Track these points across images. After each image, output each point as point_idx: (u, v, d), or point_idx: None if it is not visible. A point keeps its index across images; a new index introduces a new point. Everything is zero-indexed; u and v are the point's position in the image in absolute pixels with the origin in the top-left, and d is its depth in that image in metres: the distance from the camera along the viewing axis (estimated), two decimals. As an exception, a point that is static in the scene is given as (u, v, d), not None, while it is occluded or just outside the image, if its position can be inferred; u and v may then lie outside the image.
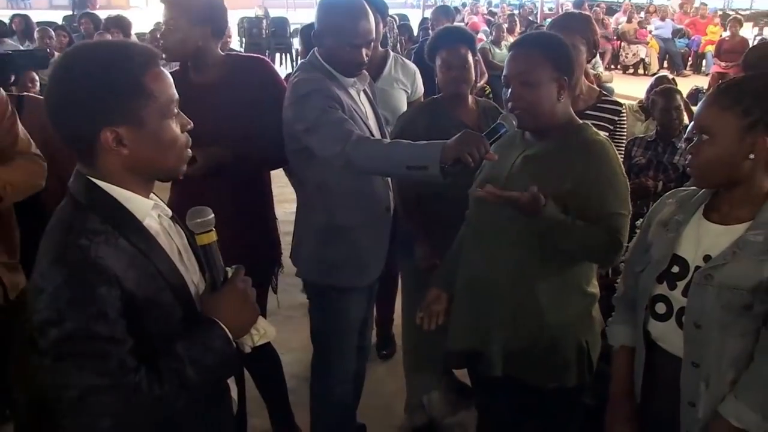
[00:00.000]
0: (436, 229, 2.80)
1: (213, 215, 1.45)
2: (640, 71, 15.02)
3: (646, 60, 15.05)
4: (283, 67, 16.33)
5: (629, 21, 15.54)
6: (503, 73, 2.09)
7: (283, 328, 3.63)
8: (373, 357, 3.72)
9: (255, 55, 2.90)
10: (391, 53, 3.54)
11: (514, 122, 2.03)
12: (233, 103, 2.51)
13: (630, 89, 11.12)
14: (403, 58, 3.56)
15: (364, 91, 2.63)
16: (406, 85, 3.46)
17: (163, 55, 2.23)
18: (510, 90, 2.04)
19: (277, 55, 16.16)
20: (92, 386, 1.25)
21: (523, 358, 2.09)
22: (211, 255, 1.46)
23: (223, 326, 1.41)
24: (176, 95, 1.41)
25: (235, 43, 14.01)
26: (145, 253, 1.36)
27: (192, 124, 1.44)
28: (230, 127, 2.47)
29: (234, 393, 1.64)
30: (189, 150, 1.45)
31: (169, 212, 1.52)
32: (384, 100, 3.14)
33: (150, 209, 1.42)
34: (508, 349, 2.10)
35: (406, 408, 3.34)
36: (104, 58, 1.34)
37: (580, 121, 2.13)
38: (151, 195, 1.47)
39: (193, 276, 1.50)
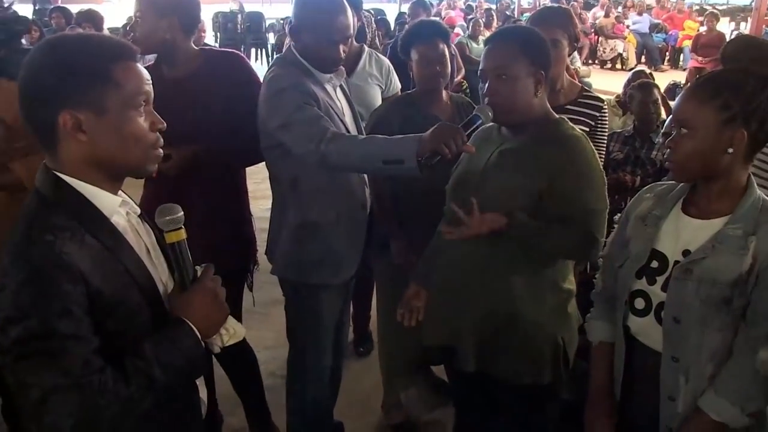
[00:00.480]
0: (412, 225, 2.79)
1: (182, 213, 1.42)
2: (618, 66, 15.12)
3: (624, 55, 15.17)
4: (258, 63, 16.26)
5: (607, 15, 15.64)
6: (480, 67, 2.09)
7: (259, 325, 3.66)
8: (350, 354, 3.71)
9: (229, 50, 2.87)
10: (366, 48, 3.53)
11: (489, 114, 2.02)
12: (206, 97, 2.49)
13: (608, 84, 11.18)
14: (378, 54, 3.55)
15: (341, 87, 2.61)
16: (380, 80, 3.46)
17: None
18: (486, 84, 2.04)
19: (253, 50, 16.07)
20: (55, 386, 1.21)
21: (496, 353, 2.10)
22: (179, 253, 1.44)
23: (192, 326, 1.39)
24: (149, 92, 1.39)
25: (210, 39, 13.90)
26: (112, 250, 1.34)
27: (164, 125, 1.41)
28: (203, 121, 2.45)
29: (203, 394, 1.62)
30: (160, 150, 1.42)
31: (138, 210, 1.50)
32: (358, 95, 3.11)
33: (117, 206, 1.40)
34: (481, 345, 2.10)
35: (383, 406, 3.34)
36: (75, 44, 1.35)
37: (557, 116, 2.13)
38: (120, 192, 1.45)
39: (161, 275, 1.48)
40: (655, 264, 1.77)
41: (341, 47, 2.42)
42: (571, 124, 2.12)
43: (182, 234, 1.43)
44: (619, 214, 2.01)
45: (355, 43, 3.42)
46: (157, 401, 1.32)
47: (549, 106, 2.13)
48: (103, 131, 1.33)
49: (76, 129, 1.32)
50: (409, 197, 2.82)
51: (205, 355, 1.44)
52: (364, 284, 3.50)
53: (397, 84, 3.57)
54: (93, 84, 1.31)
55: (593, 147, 2.09)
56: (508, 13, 15.42)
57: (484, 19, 11.30)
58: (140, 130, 1.37)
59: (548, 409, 2.20)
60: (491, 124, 2.10)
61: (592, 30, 15.47)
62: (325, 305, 2.63)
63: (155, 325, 1.39)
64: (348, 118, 2.57)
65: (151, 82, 1.41)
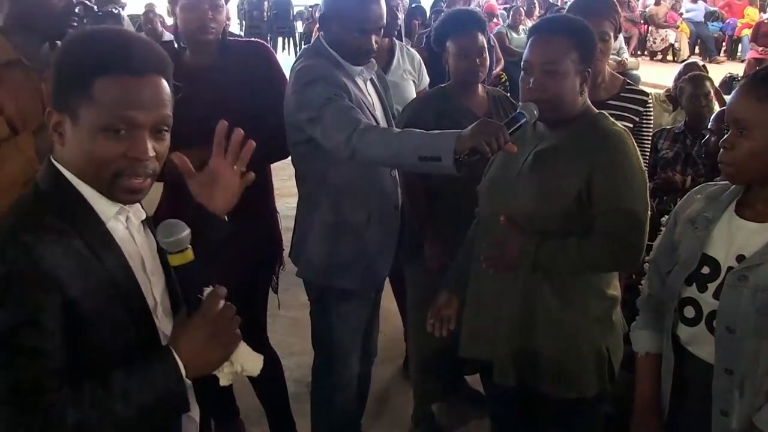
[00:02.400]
0: (445, 228, 2.80)
1: (188, 231, 1.34)
2: (669, 57, 14.97)
3: (676, 45, 14.99)
4: (285, 53, 16.36)
5: (658, 3, 15.45)
6: (524, 58, 2.07)
7: (284, 330, 3.68)
8: (380, 361, 3.72)
9: (254, 39, 2.90)
10: (397, 43, 3.53)
11: (535, 112, 2.01)
12: (226, 88, 2.51)
13: (658, 77, 11.08)
14: (408, 47, 3.57)
15: (371, 81, 2.61)
16: (413, 74, 3.47)
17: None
18: (532, 78, 2.01)
19: (279, 39, 16.18)
20: None
21: (537, 366, 2.08)
22: (185, 278, 1.36)
23: (178, 361, 1.30)
24: (136, 116, 1.29)
25: (235, 26, 14.02)
26: (99, 258, 1.31)
27: (147, 159, 1.32)
28: (221, 113, 2.47)
29: (195, 413, 1.55)
30: (134, 181, 1.33)
31: (142, 215, 1.47)
32: (396, 93, 3.10)
33: (114, 212, 1.37)
34: (521, 356, 2.09)
35: (413, 417, 3.33)
36: (76, 43, 1.35)
37: (597, 111, 2.12)
38: None
39: (154, 289, 1.43)
40: (706, 270, 1.75)
41: (373, 38, 2.42)
42: (612, 119, 2.10)
43: (189, 255, 1.34)
44: (666, 216, 1.99)
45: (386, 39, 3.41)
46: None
47: (589, 101, 2.11)
48: (72, 142, 1.32)
49: (54, 130, 1.33)
50: (440, 198, 2.83)
51: (184, 394, 1.32)
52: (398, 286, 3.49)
53: (426, 77, 3.59)
54: (72, 90, 1.30)
55: (636, 144, 2.07)
56: (551, 0, 15.32)
57: (525, 7, 11.23)
58: (100, 156, 1.30)
59: (591, 423, 2.18)
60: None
61: (642, 19, 15.31)
62: (354, 311, 2.63)
63: (143, 344, 1.35)
64: (379, 113, 2.57)
65: (162, 107, 1.34)
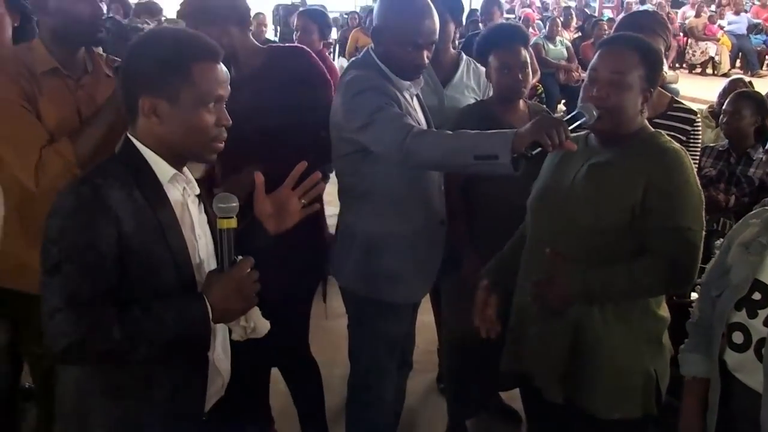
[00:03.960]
0: (484, 243, 2.79)
1: (236, 204, 1.62)
2: (709, 71, 14.80)
3: (716, 58, 14.81)
4: (319, 59, 16.37)
5: (698, 15, 15.33)
6: (591, 66, 2.07)
7: (317, 339, 3.68)
8: (413, 374, 3.72)
9: (297, 45, 2.92)
10: (464, 57, 3.38)
11: (594, 113, 2.00)
12: (270, 96, 2.53)
13: (697, 91, 10.95)
14: (476, 63, 3.35)
15: (417, 96, 2.61)
16: (477, 93, 3.31)
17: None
18: (596, 87, 2.01)
19: (314, 45, 16.19)
20: (61, 306, 1.46)
21: (583, 383, 2.08)
22: (224, 240, 1.63)
23: (208, 304, 1.57)
24: (222, 93, 1.64)
25: (270, 33, 14.11)
26: (153, 207, 1.59)
27: (230, 122, 1.67)
28: (266, 117, 2.50)
29: (225, 365, 1.82)
30: (221, 144, 1.67)
31: (197, 190, 1.75)
32: (454, 109, 3.06)
33: (170, 175, 1.65)
34: (567, 374, 2.09)
35: (447, 431, 3.33)
36: (168, 39, 1.65)
37: (652, 129, 2.11)
38: (184, 170, 1.71)
39: (200, 250, 1.70)
40: (757, 296, 1.74)
41: (425, 53, 2.42)
42: (668, 137, 2.10)
43: (233, 223, 1.63)
44: (721, 239, 1.98)
45: (452, 50, 3.37)
46: (149, 356, 1.53)
47: (646, 120, 2.11)
48: (173, 119, 1.61)
49: (151, 112, 1.60)
50: (481, 213, 2.82)
51: (206, 334, 1.60)
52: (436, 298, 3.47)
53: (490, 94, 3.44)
54: (173, 78, 1.59)
55: (691, 162, 2.06)
56: (588, 11, 15.26)
57: (562, 18, 11.21)
58: (205, 125, 1.63)
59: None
60: (579, 133, 2.09)
61: (681, 31, 15.16)
62: (393, 325, 2.63)
63: (182, 288, 1.62)
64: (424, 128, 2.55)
65: (228, 83, 1.66)
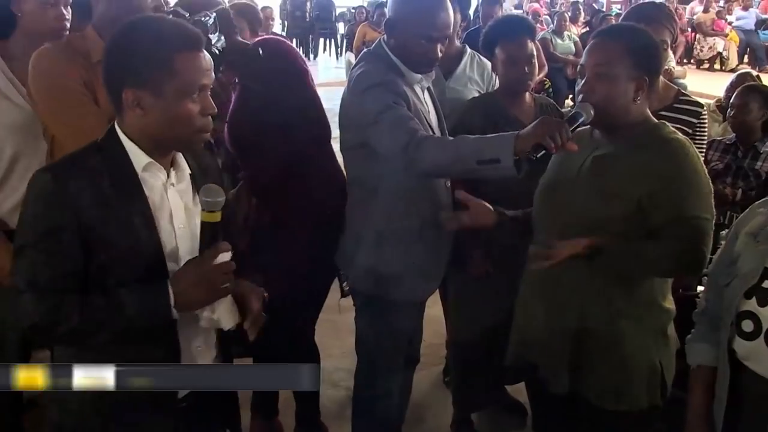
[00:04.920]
0: (490, 235, 2.78)
1: (222, 198, 1.62)
2: (717, 66, 14.75)
3: (724, 54, 14.77)
4: (326, 54, 16.42)
5: (706, 11, 15.26)
6: (580, 62, 2.10)
7: (325, 332, 3.69)
8: (419, 367, 3.72)
9: (268, 37, 2.95)
10: (468, 50, 3.41)
11: (591, 111, 2.00)
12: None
13: (705, 86, 10.92)
14: (480, 56, 3.36)
15: (428, 89, 2.61)
16: (481, 86, 3.33)
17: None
18: (584, 80, 2.03)
19: (321, 40, 16.23)
20: (26, 287, 1.53)
21: (589, 376, 2.08)
22: (206, 233, 1.63)
23: (170, 292, 1.58)
24: (206, 82, 1.63)
25: (277, 27, 14.13)
26: (122, 197, 1.60)
27: (215, 110, 1.65)
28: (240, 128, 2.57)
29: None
30: (206, 133, 1.68)
31: (186, 180, 1.74)
32: (456, 101, 3.08)
33: (145, 164, 1.64)
34: (572, 365, 2.09)
35: (452, 425, 3.33)
36: (148, 30, 1.62)
37: (656, 121, 2.11)
38: (178, 158, 1.72)
39: (178, 240, 1.68)
40: (767, 284, 1.73)
41: (439, 46, 2.41)
42: (672, 128, 2.10)
43: (216, 217, 1.62)
44: (726, 230, 1.97)
45: (457, 43, 3.37)
46: (113, 340, 1.57)
47: (649, 112, 2.11)
48: (156, 110, 1.59)
49: (135, 105, 1.59)
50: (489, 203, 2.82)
51: (167, 319, 1.61)
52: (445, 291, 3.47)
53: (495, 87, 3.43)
54: (154, 69, 1.57)
55: (697, 152, 2.06)
56: (596, 6, 15.21)
57: (570, 13, 11.17)
58: (189, 116, 1.61)
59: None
60: (584, 128, 2.09)
61: (689, 26, 15.10)
62: (400, 321, 2.62)
63: (152, 277, 1.61)
64: (434, 122, 2.56)
65: (211, 71, 1.66)
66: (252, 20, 4.01)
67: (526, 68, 2.81)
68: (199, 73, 1.61)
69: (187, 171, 1.75)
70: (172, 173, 1.71)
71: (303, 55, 2.92)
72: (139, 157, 1.63)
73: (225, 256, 1.62)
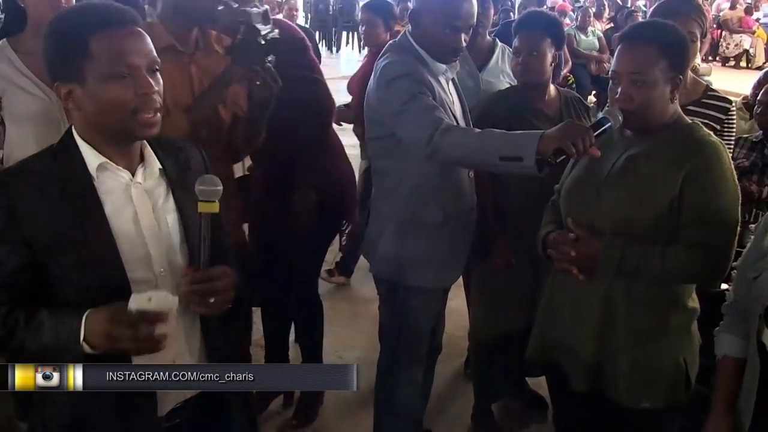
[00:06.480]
0: (515, 227, 2.79)
1: (220, 188, 1.53)
2: (743, 64, 14.60)
3: (751, 51, 14.61)
4: (349, 47, 16.42)
5: (733, 7, 15.11)
6: (612, 68, 2.06)
7: (347, 323, 3.72)
8: (441, 358, 3.74)
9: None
10: (499, 43, 3.49)
11: (619, 117, 1.99)
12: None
13: (730, 84, 10.79)
14: (510, 49, 3.34)
15: (453, 81, 2.62)
16: (512, 78, 3.32)
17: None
18: (619, 88, 2.00)
19: (344, 33, 16.22)
20: None
21: (612, 373, 2.07)
22: (201, 227, 1.54)
23: (82, 329, 1.44)
24: (136, 62, 1.49)
25: (301, 19, 14.15)
26: (73, 204, 1.50)
27: (151, 90, 1.50)
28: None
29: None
30: (149, 114, 1.51)
31: (154, 174, 1.61)
32: (489, 92, 3.12)
33: (97, 164, 1.53)
34: (595, 363, 2.09)
35: (473, 416, 3.34)
36: (62, 17, 1.55)
37: (689, 121, 2.09)
38: (147, 153, 1.61)
39: (149, 242, 1.57)
40: None
41: (463, 36, 2.43)
42: (707, 130, 2.08)
43: (214, 207, 1.53)
44: (753, 225, 1.96)
45: (488, 37, 3.44)
46: (31, 356, 1.48)
47: (679, 107, 2.09)
48: (86, 101, 1.49)
49: (68, 99, 1.50)
50: (512, 198, 2.82)
51: (78, 352, 1.46)
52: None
53: None
54: (72, 57, 1.47)
55: (729, 156, 2.04)
56: (621, 2, 15.08)
57: (594, 9, 11.10)
58: (118, 100, 1.48)
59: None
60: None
61: (715, 23, 14.95)
62: (423, 309, 2.64)
63: (107, 285, 1.50)
64: (459, 113, 2.58)
65: (146, 48, 1.51)
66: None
67: (528, 62, 2.77)
68: (123, 52, 1.47)
69: (157, 166, 1.62)
70: (139, 171, 1.59)
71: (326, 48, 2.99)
72: (92, 159, 1.53)
73: (167, 302, 1.46)
